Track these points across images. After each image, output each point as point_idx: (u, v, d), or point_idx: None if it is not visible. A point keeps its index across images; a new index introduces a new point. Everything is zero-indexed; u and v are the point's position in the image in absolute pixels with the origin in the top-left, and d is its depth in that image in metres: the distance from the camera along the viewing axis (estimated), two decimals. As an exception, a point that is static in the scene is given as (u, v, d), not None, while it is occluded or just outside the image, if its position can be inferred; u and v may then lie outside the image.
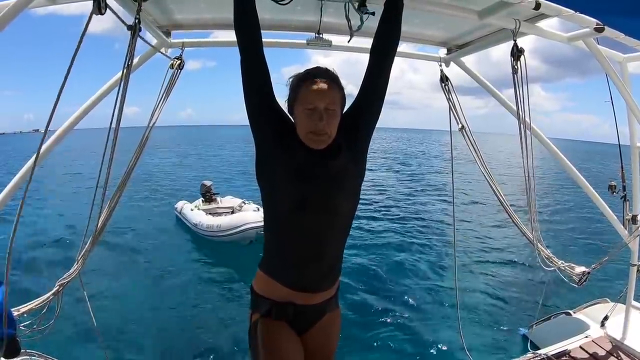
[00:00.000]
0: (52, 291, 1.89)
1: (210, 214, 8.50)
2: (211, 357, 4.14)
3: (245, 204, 8.94)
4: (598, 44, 1.87)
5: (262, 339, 1.22)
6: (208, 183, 9.66)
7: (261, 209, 8.85)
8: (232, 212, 8.61)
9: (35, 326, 1.94)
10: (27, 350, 2.12)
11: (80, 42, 1.03)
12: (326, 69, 1.19)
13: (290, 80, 1.21)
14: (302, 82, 1.16)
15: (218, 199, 9.62)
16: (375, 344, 4.54)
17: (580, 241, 9.37)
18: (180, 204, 9.49)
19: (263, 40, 1.18)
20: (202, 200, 9.45)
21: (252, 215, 7.67)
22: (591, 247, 8.66)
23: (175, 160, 29.02)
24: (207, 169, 23.44)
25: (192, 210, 8.75)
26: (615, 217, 2.42)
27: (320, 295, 1.28)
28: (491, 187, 2.35)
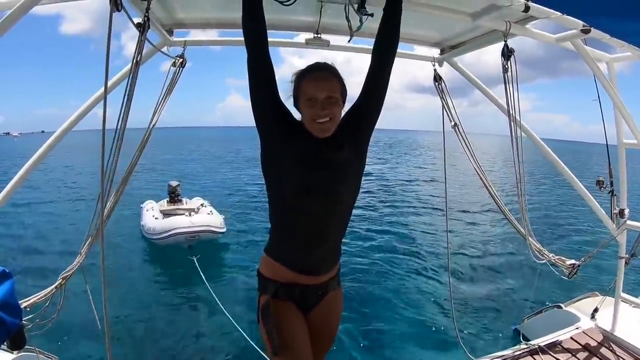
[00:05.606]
0: (55, 284, 1.93)
1: (167, 214, 8.26)
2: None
3: (203, 206, 8.68)
4: (585, 44, 1.94)
5: (274, 315, 1.29)
6: (174, 183, 9.36)
7: (215, 212, 8.45)
8: (190, 214, 8.24)
9: (38, 320, 1.97)
10: (26, 347, 2.14)
11: (108, 40, 1.03)
12: (325, 63, 1.30)
13: (293, 77, 1.31)
14: (303, 76, 1.27)
15: (184, 199, 9.37)
16: (368, 335, 4.59)
17: (567, 235, 9.54)
18: (145, 203, 9.28)
19: None
20: (167, 201, 9.19)
21: (181, 220, 7.47)
22: (579, 242, 8.85)
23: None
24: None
25: (147, 210, 8.52)
26: (604, 212, 2.50)
27: (323, 276, 1.38)
28: (484, 183, 2.42)
